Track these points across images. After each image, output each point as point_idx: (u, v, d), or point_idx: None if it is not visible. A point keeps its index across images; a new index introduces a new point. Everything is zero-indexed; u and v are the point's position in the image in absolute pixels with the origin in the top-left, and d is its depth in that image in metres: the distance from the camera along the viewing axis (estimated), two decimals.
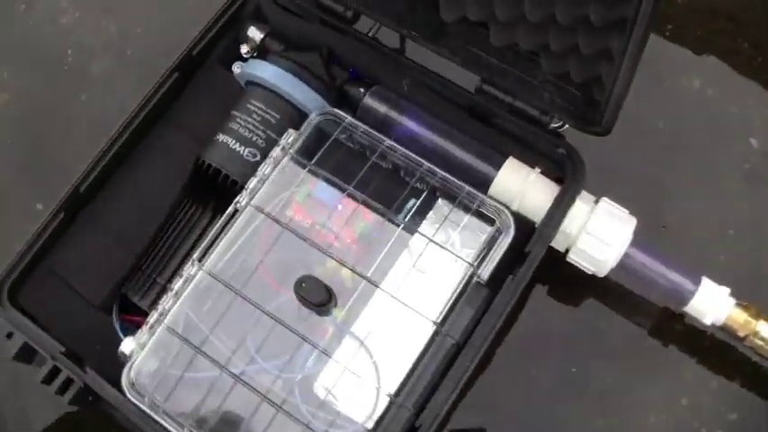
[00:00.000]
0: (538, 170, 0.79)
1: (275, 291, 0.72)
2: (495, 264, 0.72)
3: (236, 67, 0.84)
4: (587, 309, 0.85)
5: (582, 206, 0.78)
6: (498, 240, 0.73)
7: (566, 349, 0.84)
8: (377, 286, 0.72)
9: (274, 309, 0.71)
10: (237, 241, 0.74)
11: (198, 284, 0.73)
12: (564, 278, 0.84)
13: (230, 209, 0.75)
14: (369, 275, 0.71)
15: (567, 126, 0.79)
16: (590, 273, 0.80)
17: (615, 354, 0.84)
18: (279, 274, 0.72)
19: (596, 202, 0.79)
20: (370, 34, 0.85)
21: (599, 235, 0.77)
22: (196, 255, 0.73)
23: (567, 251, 0.79)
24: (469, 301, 0.71)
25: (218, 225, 0.74)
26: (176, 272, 0.77)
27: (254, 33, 0.85)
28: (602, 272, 0.79)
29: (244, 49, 0.85)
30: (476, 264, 0.72)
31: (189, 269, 0.73)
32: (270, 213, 0.75)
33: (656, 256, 0.79)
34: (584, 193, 0.79)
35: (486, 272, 0.72)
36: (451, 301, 0.71)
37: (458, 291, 0.71)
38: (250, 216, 0.75)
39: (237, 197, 0.75)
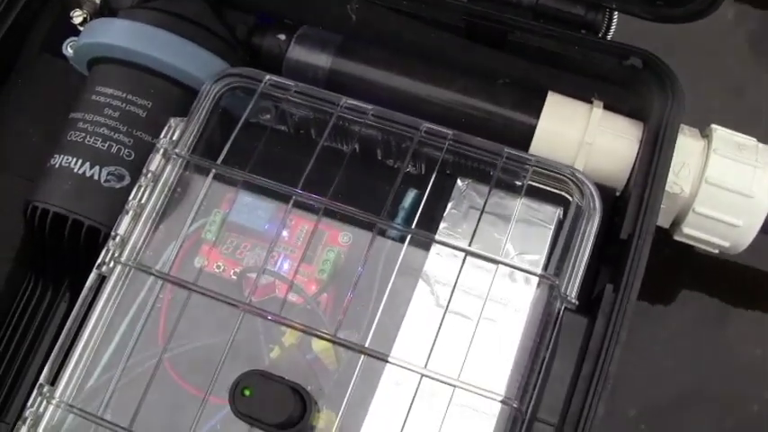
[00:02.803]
0: (600, 104, 0.47)
1: (205, 403, 0.38)
2: (582, 271, 0.40)
3: (69, 47, 0.50)
4: (716, 319, 0.53)
5: (691, 144, 0.46)
6: (579, 230, 0.40)
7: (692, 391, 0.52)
8: (384, 360, 0.38)
9: None
10: (114, 334, 0.40)
11: (55, 428, 0.39)
12: (670, 272, 0.52)
13: (91, 278, 0.41)
14: (366, 343, 0.38)
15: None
16: (717, 252, 0.48)
17: None
18: (199, 373, 0.39)
19: (704, 135, 0.47)
20: None
21: (728, 184, 0.45)
22: (43, 377, 0.39)
23: (674, 225, 0.47)
24: (562, 346, 0.38)
25: (74, 314, 0.40)
26: (20, 414, 0.42)
27: None
28: (740, 245, 0.47)
29: (77, 16, 0.51)
30: (554, 277, 0.39)
31: (36, 404, 0.39)
32: (162, 271, 0.41)
33: None
34: (684, 127, 0.47)
35: (573, 288, 0.39)
36: (527, 355, 0.38)
37: (537, 333, 0.39)
38: (128, 282, 0.41)
39: (101, 255, 0.41)
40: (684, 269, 0.53)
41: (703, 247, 0.47)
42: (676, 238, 0.48)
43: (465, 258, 0.39)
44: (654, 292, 0.53)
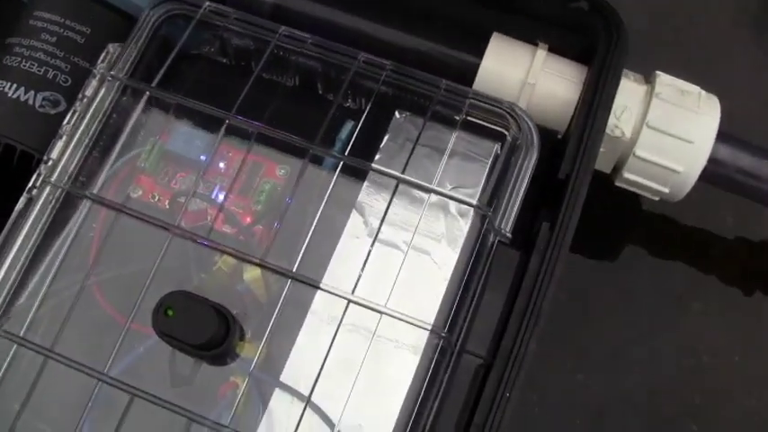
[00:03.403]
0: (545, 46, 0.47)
1: (130, 331, 0.38)
2: (518, 205, 0.40)
3: None
4: (654, 267, 0.53)
5: (633, 88, 0.46)
6: (515, 164, 0.40)
7: (633, 339, 0.52)
8: (315, 286, 0.38)
9: (129, 365, 0.37)
10: (45, 258, 0.40)
11: None
12: (608, 220, 0.52)
13: (21, 201, 0.40)
14: (295, 269, 0.38)
15: None
16: (658, 199, 0.48)
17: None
18: (127, 300, 0.38)
19: (648, 80, 0.47)
20: None
21: (669, 128, 0.45)
22: None
23: (615, 170, 0.47)
24: (497, 281, 0.38)
25: (1, 238, 0.40)
26: None
27: None
28: (680, 191, 0.47)
29: None
30: (487, 208, 0.39)
31: None
32: (94, 193, 0.41)
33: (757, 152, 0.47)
34: (627, 71, 0.47)
35: (508, 221, 0.39)
36: (459, 287, 0.38)
37: (468, 265, 0.38)
38: (60, 207, 0.40)
39: (32, 179, 0.41)
40: (627, 221, 0.53)
41: (644, 193, 0.47)
42: (617, 183, 0.47)
43: (397, 186, 0.39)
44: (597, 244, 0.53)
